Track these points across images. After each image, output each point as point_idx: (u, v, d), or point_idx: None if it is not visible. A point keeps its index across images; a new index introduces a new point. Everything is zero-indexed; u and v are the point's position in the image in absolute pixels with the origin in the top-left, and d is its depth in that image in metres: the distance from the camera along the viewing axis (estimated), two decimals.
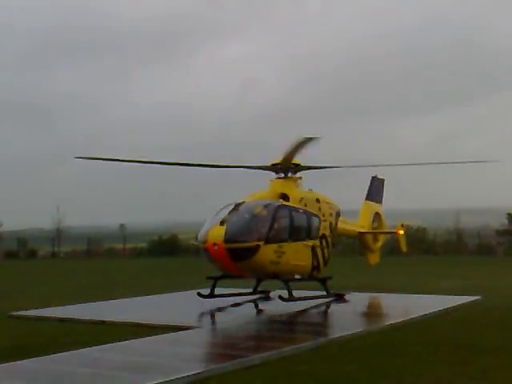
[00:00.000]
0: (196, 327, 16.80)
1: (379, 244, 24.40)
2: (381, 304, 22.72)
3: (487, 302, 21.70)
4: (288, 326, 17.70)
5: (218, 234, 16.82)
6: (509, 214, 70.26)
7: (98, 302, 22.56)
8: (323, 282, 20.26)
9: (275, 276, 18.08)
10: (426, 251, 64.75)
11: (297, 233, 18.41)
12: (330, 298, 20.72)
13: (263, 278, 19.95)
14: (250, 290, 21.59)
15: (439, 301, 21.85)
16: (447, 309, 19.98)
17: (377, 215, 24.34)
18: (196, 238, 18.55)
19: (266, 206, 17.66)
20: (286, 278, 18.38)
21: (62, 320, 18.40)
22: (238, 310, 20.53)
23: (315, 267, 19.48)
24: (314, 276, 19.90)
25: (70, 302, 22.66)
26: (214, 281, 19.39)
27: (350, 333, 15.35)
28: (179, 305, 21.91)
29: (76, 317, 18.74)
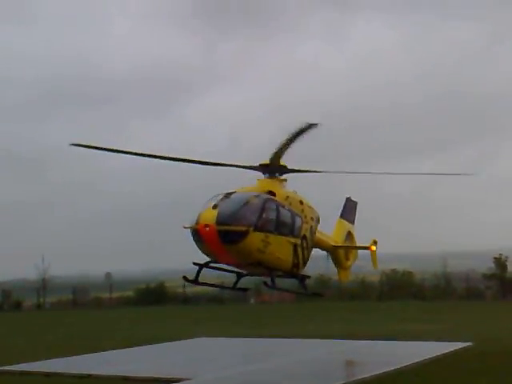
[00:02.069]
0: (186, 379, 16.52)
1: (350, 263, 24.33)
2: (372, 351, 22.46)
3: (479, 347, 21.54)
4: (278, 375, 17.47)
5: (210, 216, 17.10)
6: (495, 258, 70.39)
7: (84, 355, 22.16)
8: (302, 280, 20.24)
9: (259, 264, 18.11)
10: (414, 295, 64.54)
11: (282, 227, 18.69)
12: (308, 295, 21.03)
13: (246, 267, 19.35)
14: (231, 286, 21.13)
15: (430, 347, 21.68)
16: (439, 356, 19.80)
17: (349, 234, 24.43)
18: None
19: (256, 196, 18.13)
20: (270, 267, 18.49)
21: (47, 375, 18.03)
22: (226, 360, 20.23)
23: (295, 265, 19.51)
24: (294, 273, 19.79)
25: (55, 355, 22.24)
26: (200, 267, 19.02)
27: (342, 383, 15.14)
28: (168, 356, 21.58)
29: (62, 371, 18.37)
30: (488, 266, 74.95)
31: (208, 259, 18.49)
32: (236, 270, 19.92)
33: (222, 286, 21.46)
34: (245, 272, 20.09)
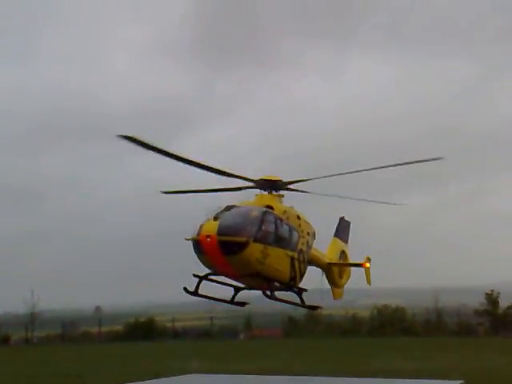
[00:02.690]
0: None
1: (344, 281, 24.72)
2: None
3: None
4: None
5: (211, 227, 17.58)
6: (487, 294, 70.35)
7: None
8: (299, 293, 20.43)
9: (258, 275, 18.41)
10: (405, 331, 64.22)
11: (280, 240, 19.14)
12: (305, 307, 21.04)
13: (245, 278, 19.57)
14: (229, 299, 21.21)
15: None
16: None
17: (343, 253, 24.80)
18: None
19: (256, 209, 18.67)
20: (268, 278, 18.84)
21: None
22: None
23: (292, 278, 19.90)
24: (291, 286, 20.08)
25: None
26: (200, 279, 19.35)
27: None
28: None
29: None
30: (480, 301, 74.86)
31: (208, 271, 18.79)
32: (234, 283, 20.19)
33: (220, 300, 21.17)
34: (242, 285, 20.34)
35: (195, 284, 19.39)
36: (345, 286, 25.27)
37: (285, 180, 20.47)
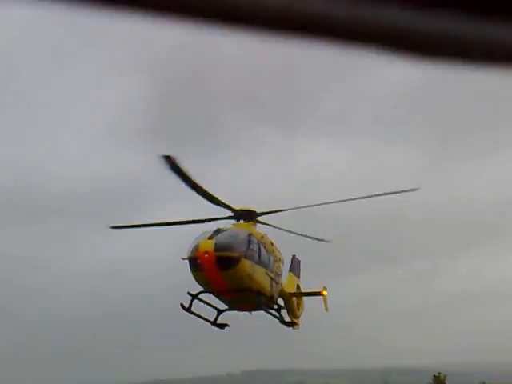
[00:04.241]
0: None
1: (300, 312, 26.53)
2: None
3: None
4: None
5: (208, 244, 19.82)
6: (435, 376, 70.44)
7: None
8: (278, 310, 22.99)
9: (248, 290, 20.46)
10: None
11: (262, 260, 21.53)
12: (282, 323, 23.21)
13: (236, 294, 21.17)
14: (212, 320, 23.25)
15: None
16: None
17: (298, 287, 26.67)
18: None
19: (243, 231, 21.16)
20: (258, 293, 21.03)
21: None
22: None
23: (271, 297, 22.28)
24: (271, 304, 22.62)
25: None
26: (192, 297, 21.51)
27: None
28: None
29: None
30: (427, 381, 74.77)
31: (200, 289, 21.26)
32: (218, 306, 22.45)
33: (206, 319, 22.97)
34: (226, 307, 22.53)
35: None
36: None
37: (259, 211, 22.68)
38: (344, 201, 24.81)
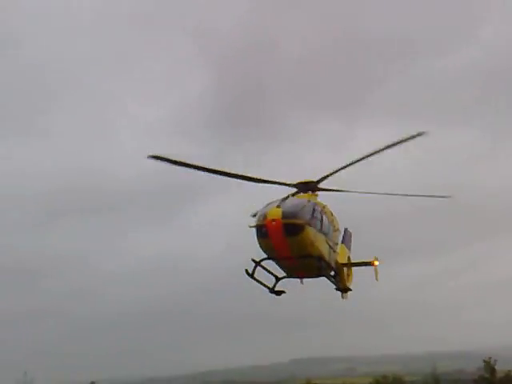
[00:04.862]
0: None
1: (351, 282, 27.23)
2: None
3: None
4: None
5: (276, 212, 20.83)
6: (485, 361, 70.64)
7: None
8: (334, 277, 24.23)
9: (310, 257, 21.65)
10: None
11: (324, 229, 22.65)
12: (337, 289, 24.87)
13: (298, 260, 22.12)
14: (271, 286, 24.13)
15: None
16: None
17: (348, 259, 27.47)
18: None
19: (307, 200, 22.18)
20: (318, 258, 22.15)
21: None
22: None
23: (329, 264, 23.32)
24: (327, 271, 23.53)
25: None
26: (256, 264, 22.58)
27: None
28: None
29: None
30: (476, 366, 74.90)
31: (264, 256, 22.11)
32: (277, 273, 23.39)
33: (266, 286, 23.97)
34: (285, 274, 23.51)
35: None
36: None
37: (320, 185, 23.72)
38: (398, 195, 25.56)
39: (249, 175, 23.06)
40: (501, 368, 72.10)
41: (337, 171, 23.41)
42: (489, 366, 69.70)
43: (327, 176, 23.40)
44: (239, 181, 23.42)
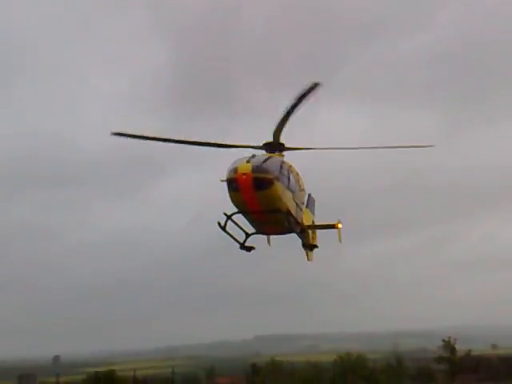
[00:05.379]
0: None
1: (315, 242, 27.88)
2: None
3: None
4: None
5: (246, 167, 21.21)
6: (445, 340, 71.47)
7: None
8: (301, 233, 24.68)
9: (278, 211, 22.02)
10: (367, 379, 64.87)
11: (291, 186, 23.09)
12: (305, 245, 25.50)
13: (267, 215, 22.58)
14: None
15: None
16: None
17: (313, 222, 28.22)
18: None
19: (276, 157, 22.64)
20: (287, 213, 22.49)
21: None
22: None
23: (296, 221, 23.67)
24: (294, 228, 23.74)
25: None
26: (227, 217, 22.86)
27: None
28: None
29: None
30: (438, 344, 75.89)
31: (235, 210, 22.28)
32: (246, 229, 23.66)
33: (237, 240, 24.35)
34: (254, 231, 23.82)
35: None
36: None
37: (287, 145, 23.61)
38: (364, 148, 25.44)
39: (214, 141, 23.33)
40: (461, 347, 73.17)
41: (308, 148, 23.94)
42: (448, 346, 70.58)
43: (298, 148, 23.88)
44: (204, 149, 23.53)
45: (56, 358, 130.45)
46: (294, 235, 24.75)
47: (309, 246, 26.15)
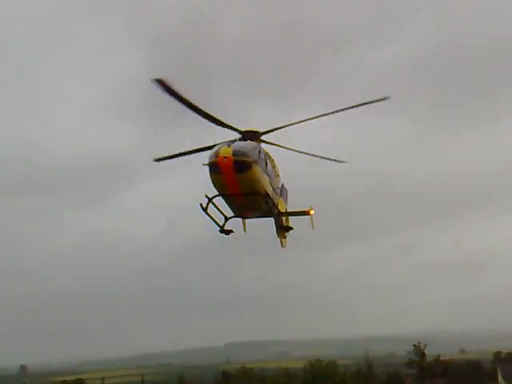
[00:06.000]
0: None
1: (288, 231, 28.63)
2: None
3: None
4: None
5: (227, 150, 21.98)
6: (415, 345, 71.99)
7: None
8: (278, 215, 25.67)
9: (258, 193, 22.89)
10: None
11: (268, 171, 24.01)
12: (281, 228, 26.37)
13: (246, 197, 23.29)
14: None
15: None
16: None
17: (286, 210, 28.90)
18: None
19: (254, 143, 23.37)
20: (265, 195, 23.36)
21: None
22: None
23: (273, 204, 24.59)
24: (271, 212, 24.83)
25: None
26: (209, 200, 23.53)
27: None
28: None
29: None
30: (408, 349, 76.42)
31: (215, 194, 23.06)
32: (226, 213, 24.31)
33: (217, 223, 24.94)
34: (232, 215, 24.49)
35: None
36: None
37: (263, 130, 24.42)
38: (325, 115, 25.66)
39: (203, 109, 23.25)
40: (430, 352, 73.71)
41: (283, 127, 24.58)
42: (418, 350, 71.11)
43: (273, 130, 24.60)
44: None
45: (23, 368, 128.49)
46: (269, 222, 25.72)
47: (285, 228, 26.96)
